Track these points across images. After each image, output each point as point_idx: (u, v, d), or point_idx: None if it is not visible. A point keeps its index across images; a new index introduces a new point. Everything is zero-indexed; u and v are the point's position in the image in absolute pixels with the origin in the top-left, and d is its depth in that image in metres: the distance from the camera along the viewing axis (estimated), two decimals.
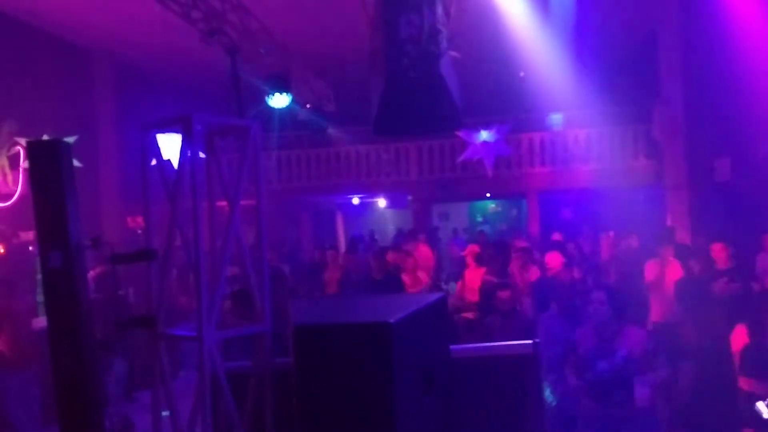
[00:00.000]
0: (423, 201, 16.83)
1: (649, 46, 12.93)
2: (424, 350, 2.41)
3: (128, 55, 12.78)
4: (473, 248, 8.82)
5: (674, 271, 7.50)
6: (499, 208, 19.84)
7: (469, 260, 8.68)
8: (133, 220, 12.61)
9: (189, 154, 2.30)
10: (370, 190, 17.58)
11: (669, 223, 12.85)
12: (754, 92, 9.29)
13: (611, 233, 11.08)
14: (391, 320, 2.18)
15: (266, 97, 9.14)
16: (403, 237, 15.21)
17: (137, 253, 2.38)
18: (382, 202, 20.32)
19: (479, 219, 19.87)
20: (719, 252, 7.00)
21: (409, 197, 17.18)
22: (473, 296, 8.26)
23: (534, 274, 8.10)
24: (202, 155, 2.48)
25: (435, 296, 2.59)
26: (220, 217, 2.64)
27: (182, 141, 2.32)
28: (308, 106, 11.08)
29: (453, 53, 4.04)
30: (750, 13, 8.99)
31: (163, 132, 2.51)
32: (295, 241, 16.16)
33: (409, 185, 16.09)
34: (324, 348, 2.22)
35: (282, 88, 8.97)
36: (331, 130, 13.37)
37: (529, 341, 2.75)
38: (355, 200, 18.61)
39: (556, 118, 15.72)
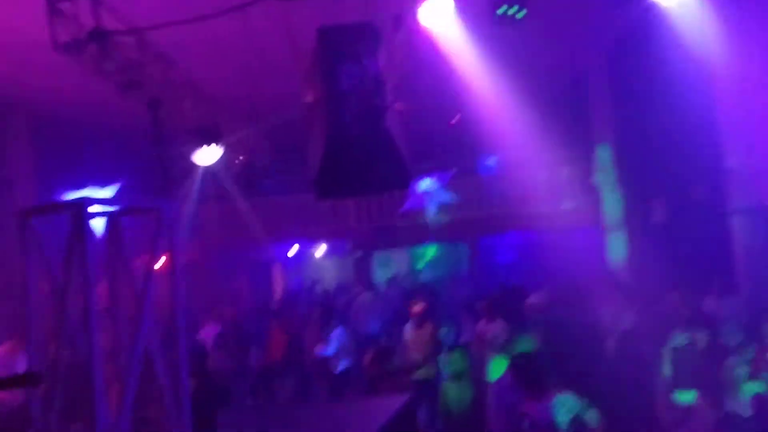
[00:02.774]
0: (363, 248, 16.47)
1: (581, 89, 13.12)
2: None
3: (45, 107, 11.96)
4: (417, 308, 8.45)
5: None
6: (439, 253, 19.61)
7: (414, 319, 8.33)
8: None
9: (80, 246, 1.82)
10: (308, 239, 17.09)
11: (610, 265, 12.86)
12: (686, 134, 9.41)
13: None
14: None
15: (193, 153, 8.58)
16: (341, 290, 14.73)
17: (15, 379, 1.83)
18: (320, 251, 19.80)
19: (421, 265, 19.57)
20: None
21: (349, 244, 16.79)
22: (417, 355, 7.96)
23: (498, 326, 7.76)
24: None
25: (400, 401, 2.13)
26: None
27: (71, 230, 1.84)
28: (241, 158, 10.56)
29: (398, 105, 3.70)
30: (678, 55, 9.13)
31: (48, 218, 2.00)
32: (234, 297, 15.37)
33: (348, 232, 15.72)
34: None
35: (211, 142, 8.43)
36: (267, 182, 12.87)
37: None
38: (292, 250, 18.05)
39: (492, 161, 15.72)
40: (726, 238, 9.23)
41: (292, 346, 8.66)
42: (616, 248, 13.01)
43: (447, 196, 10.04)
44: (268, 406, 2.02)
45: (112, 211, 2.00)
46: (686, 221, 10.30)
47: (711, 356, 5.89)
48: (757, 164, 7.90)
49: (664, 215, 11.30)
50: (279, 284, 19.33)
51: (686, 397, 5.50)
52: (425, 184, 9.47)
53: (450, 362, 5.32)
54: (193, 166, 8.98)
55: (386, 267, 18.76)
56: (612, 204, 13.08)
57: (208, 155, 8.55)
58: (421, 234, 15.24)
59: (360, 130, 3.34)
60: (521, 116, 12.36)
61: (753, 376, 4.65)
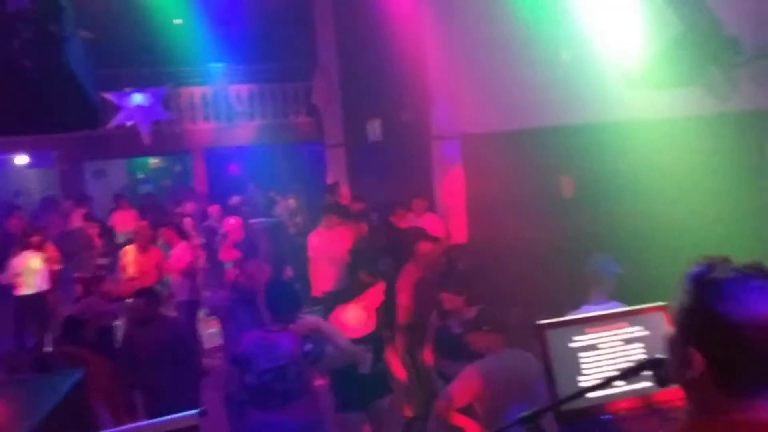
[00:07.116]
0: (72, 160, 14.94)
1: (307, 12, 13.05)
2: None
3: None
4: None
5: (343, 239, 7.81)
6: (162, 164, 18.68)
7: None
8: None
9: None
10: (5, 147, 14.93)
11: (329, 179, 13.46)
12: (398, 62, 10.10)
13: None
14: None
15: None
16: (49, 205, 13.30)
17: None
18: (22, 160, 17.47)
19: (140, 176, 18.45)
20: None
21: (55, 154, 15.10)
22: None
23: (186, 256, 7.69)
24: None
25: (71, 380, 1.98)
26: None
27: None
28: None
29: (84, 33, 3.29)
30: None
31: None
32: None
33: (53, 142, 14.06)
34: None
35: None
36: None
37: (195, 411, 2.35)
38: None
39: (215, 70, 15.14)
40: (428, 161, 10.23)
41: None
42: (336, 164, 13.64)
43: (162, 113, 9.44)
44: None
45: None
46: (397, 142, 11.14)
47: None
48: (455, 96, 8.77)
49: (380, 135, 12.07)
50: None
51: None
52: (138, 99, 8.77)
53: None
54: None
55: (102, 178, 17.33)
56: (333, 122, 13.57)
57: None
58: (138, 145, 14.31)
59: (32, 62, 2.90)
60: (247, 28, 12.02)
61: None
